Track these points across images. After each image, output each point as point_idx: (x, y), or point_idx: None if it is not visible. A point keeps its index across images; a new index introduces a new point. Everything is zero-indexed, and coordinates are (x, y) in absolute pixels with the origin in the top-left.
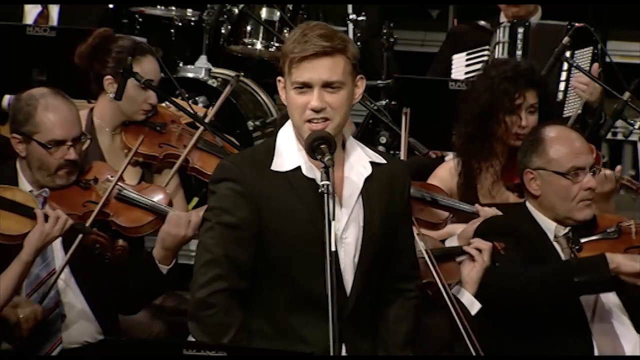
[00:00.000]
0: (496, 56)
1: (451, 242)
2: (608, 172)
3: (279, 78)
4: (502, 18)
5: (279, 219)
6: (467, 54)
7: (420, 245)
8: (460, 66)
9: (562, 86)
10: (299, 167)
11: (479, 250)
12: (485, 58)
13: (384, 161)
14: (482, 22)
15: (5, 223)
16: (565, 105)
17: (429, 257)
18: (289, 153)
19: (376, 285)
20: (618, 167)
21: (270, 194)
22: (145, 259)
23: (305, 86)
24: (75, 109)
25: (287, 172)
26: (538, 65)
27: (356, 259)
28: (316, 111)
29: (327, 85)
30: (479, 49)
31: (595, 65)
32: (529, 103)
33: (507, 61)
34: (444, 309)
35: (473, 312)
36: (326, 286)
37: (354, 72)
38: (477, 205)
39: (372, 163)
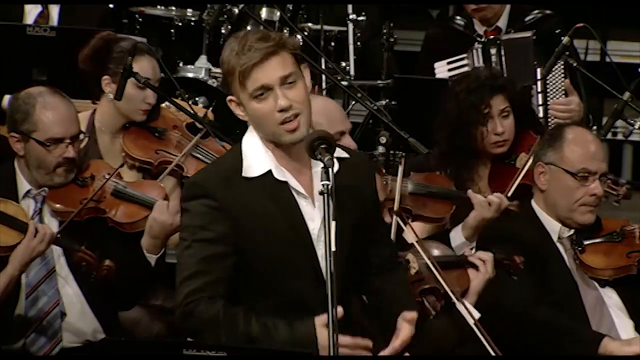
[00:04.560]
0: None
1: (456, 233)
2: None
3: (229, 97)
4: (476, 23)
5: (255, 227)
6: (449, 63)
7: (422, 253)
8: (444, 77)
9: (540, 111)
10: (269, 172)
11: (483, 260)
12: (466, 69)
13: (347, 155)
14: (457, 19)
15: None
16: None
17: (432, 264)
18: (256, 158)
19: (355, 279)
20: None
21: (244, 203)
22: (137, 251)
23: (265, 90)
24: (73, 107)
25: (258, 177)
26: (498, 70)
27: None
28: (285, 110)
29: (284, 81)
30: (458, 57)
31: (567, 81)
32: (498, 109)
33: (468, 74)
34: (447, 314)
35: (471, 321)
36: (326, 286)
37: (298, 62)
38: (469, 191)
39: (337, 159)
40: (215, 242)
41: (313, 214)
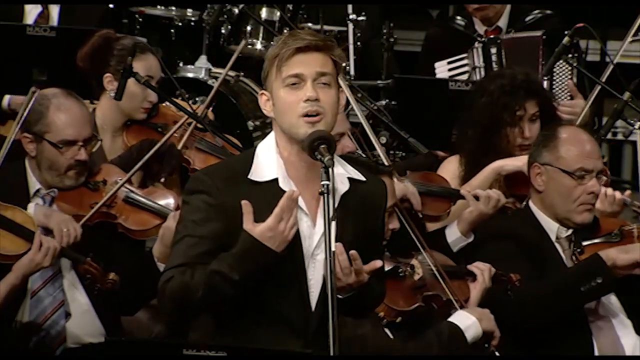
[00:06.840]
0: (475, 79)
1: (452, 228)
2: (618, 195)
3: (262, 91)
4: (477, 22)
5: None
6: (449, 63)
7: (429, 261)
8: (444, 77)
9: None
10: (276, 180)
11: (481, 270)
12: (466, 69)
13: (363, 179)
14: (457, 19)
15: (1, 242)
16: None
17: (438, 271)
18: (267, 163)
19: (343, 304)
20: (628, 192)
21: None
22: (144, 258)
23: (298, 80)
24: (86, 110)
25: (263, 183)
26: (534, 73)
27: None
28: (311, 101)
29: (319, 77)
30: (459, 57)
31: (570, 82)
32: (529, 113)
33: (503, 74)
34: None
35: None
36: (327, 288)
37: (337, 74)
38: (462, 190)
39: (350, 179)
40: (205, 240)
41: (311, 233)
